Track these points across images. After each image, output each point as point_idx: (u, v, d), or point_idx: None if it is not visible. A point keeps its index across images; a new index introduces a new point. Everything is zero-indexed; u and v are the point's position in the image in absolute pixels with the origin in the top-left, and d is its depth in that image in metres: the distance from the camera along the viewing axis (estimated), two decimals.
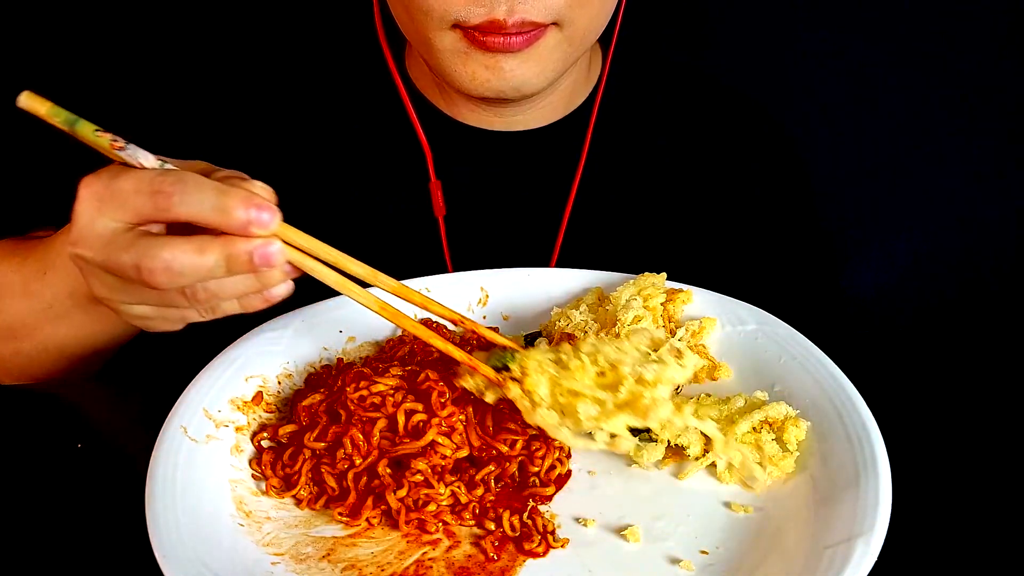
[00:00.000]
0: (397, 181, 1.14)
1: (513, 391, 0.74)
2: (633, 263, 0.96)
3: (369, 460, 0.77)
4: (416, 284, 0.95)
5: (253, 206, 0.68)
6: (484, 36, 0.95)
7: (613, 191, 1.16)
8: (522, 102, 1.09)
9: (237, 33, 1.44)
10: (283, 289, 0.73)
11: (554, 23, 0.97)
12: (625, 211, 1.16)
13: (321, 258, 0.73)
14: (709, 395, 0.83)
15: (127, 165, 0.70)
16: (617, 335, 0.85)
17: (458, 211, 1.13)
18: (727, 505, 0.75)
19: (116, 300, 0.75)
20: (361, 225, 1.12)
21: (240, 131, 1.16)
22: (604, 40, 1.18)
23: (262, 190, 0.71)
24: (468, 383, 0.77)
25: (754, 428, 0.78)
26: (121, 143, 0.70)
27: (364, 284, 0.76)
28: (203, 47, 1.42)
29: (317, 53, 1.20)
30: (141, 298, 0.74)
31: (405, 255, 1.05)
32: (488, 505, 0.75)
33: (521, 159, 1.15)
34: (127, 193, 0.69)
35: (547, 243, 1.14)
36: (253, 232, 0.68)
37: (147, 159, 0.71)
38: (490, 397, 0.76)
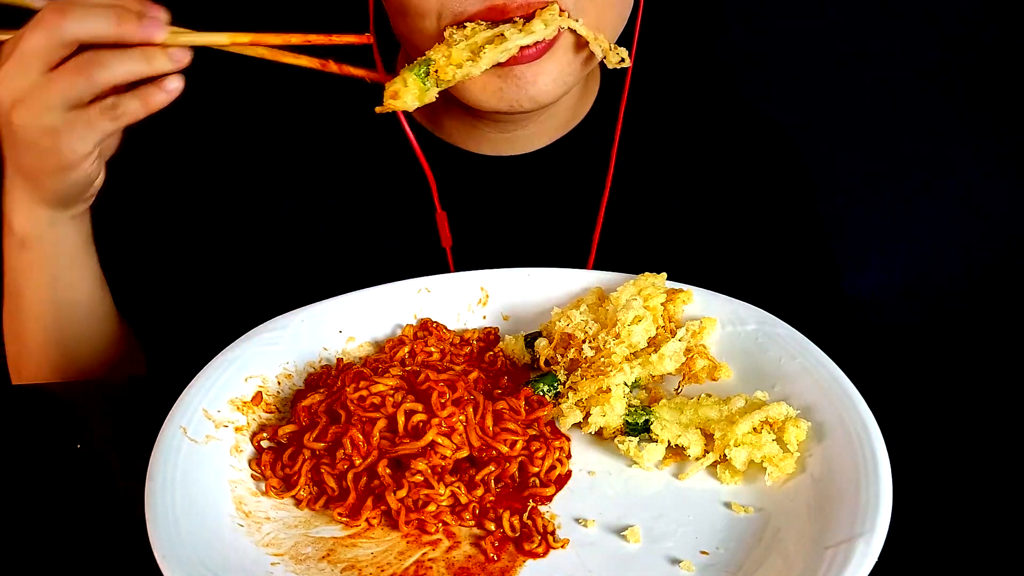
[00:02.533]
0: (402, 213, 1.13)
1: (448, 72, 0.90)
2: (659, 271, 0.95)
3: (369, 460, 0.76)
4: (415, 284, 0.96)
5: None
6: None
7: (638, 203, 1.15)
8: (519, 117, 1.08)
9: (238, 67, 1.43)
10: (176, 81, 0.85)
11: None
12: (650, 223, 1.15)
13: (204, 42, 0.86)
14: (709, 395, 0.83)
15: None
16: (617, 335, 0.85)
17: (466, 229, 1.12)
18: (727, 505, 0.75)
19: (32, 112, 0.83)
20: (369, 259, 1.12)
21: (241, 169, 1.16)
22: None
23: None
24: (407, 96, 0.90)
25: (754, 428, 0.78)
26: None
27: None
28: (198, 83, 1.42)
29: (314, 85, 1.20)
30: (53, 90, 0.83)
31: None
32: (488, 505, 0.75)
33: (527, 182, 1.14)
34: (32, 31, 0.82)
35: (575, 256, 1.13)
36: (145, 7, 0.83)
37: None
38: (431, 95, 0.92)
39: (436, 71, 0.91)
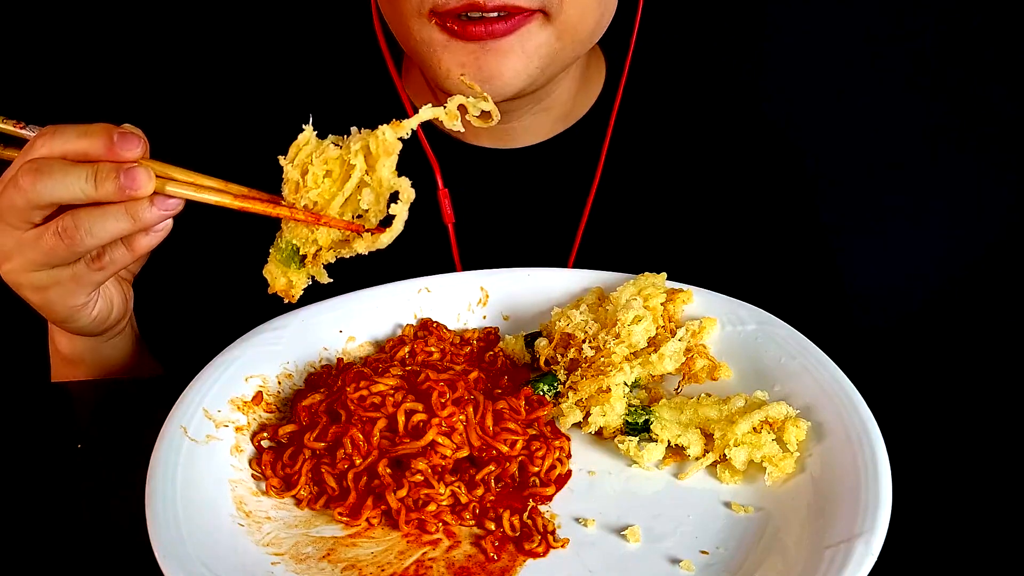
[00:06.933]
0: None
1: (327, 255, 0.82)
2: (645, 269, 0.95)
3: (369, 460, 0.76)
4: (416, 284, 0.96)
5: (116, 131, 0.75)
6: (464, 27, 0.92)
7: (628, 200, 1.15)
8: (509, 108, 1.07)
9: (242, 50, 1.44)
10: (165, 222, 0.78)
11: (541, 10, 0.93)
12: (639, 219, 1.15)
13: (184, 180, 0.79)
14: (709, 395, 0.83)
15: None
16: (617, 335, 0.85)
17: (467, 220, 1.12)
18: (727, 505, 0.75)
19: (18, 269, 0.82)
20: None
21: (245, 147, 1.16)
22: (614, 51, 1.18)
23: (127, 126, 0.77)
24: (299, 289, 0.83)
25: (754, 428, 0.78)
26: (22, 123, 0.80)
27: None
28: (207, 62, 1.42)
29: (322, 69, 1.20)
30: (35, 253, 0.79)
31: (416, 263, 1.05)
32: (488, 505, 0.75)
33: (528, 174, 1.14)
34: (15, 167, 0.78)
35: (560, 251, 1.14)
36: (121, 155, 0.75)
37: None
38: (320, 273, 0.83)
39: (313, 255, 0.83)
